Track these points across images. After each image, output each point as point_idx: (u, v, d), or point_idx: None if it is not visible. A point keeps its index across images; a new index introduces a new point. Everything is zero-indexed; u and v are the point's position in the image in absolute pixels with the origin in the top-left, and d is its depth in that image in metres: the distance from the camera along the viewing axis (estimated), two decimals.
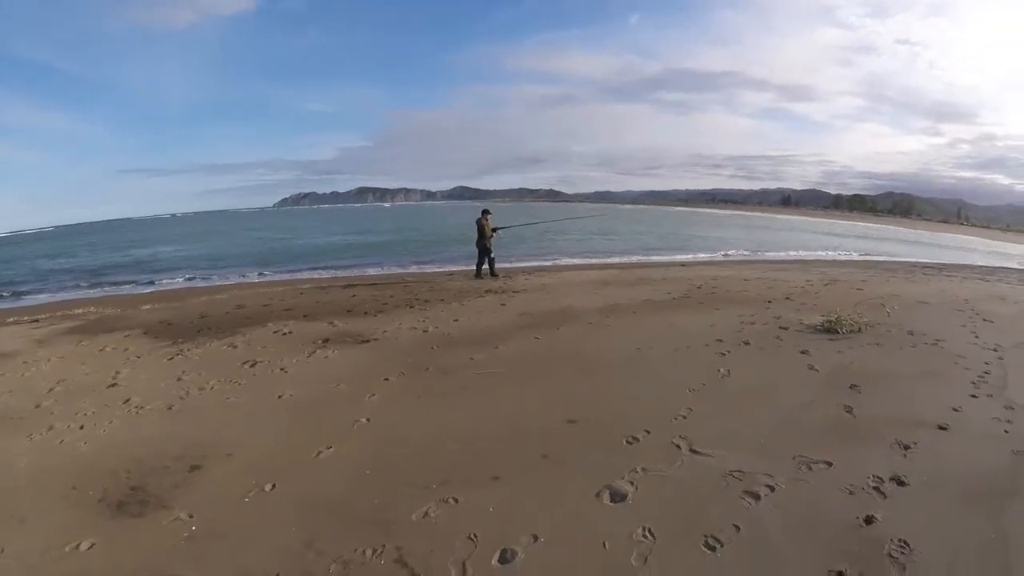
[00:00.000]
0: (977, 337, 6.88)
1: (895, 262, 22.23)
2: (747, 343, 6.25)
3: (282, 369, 5.72)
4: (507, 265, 13.82)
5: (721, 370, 5.23)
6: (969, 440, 3.79)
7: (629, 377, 5.12)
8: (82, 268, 23.24)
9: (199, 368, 5.90)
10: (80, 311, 11.54)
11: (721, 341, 6.30)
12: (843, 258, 23.50)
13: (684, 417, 4.11)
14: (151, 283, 17.08)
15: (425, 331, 7.17)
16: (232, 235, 44.25)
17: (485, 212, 13.02)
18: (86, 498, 3.32)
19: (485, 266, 12.82)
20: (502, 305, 8.82)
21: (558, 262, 17.77)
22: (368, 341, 6.74)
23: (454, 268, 16.62)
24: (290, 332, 7.39)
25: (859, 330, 6.77)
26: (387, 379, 5.23)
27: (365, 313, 8.57)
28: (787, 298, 9.36)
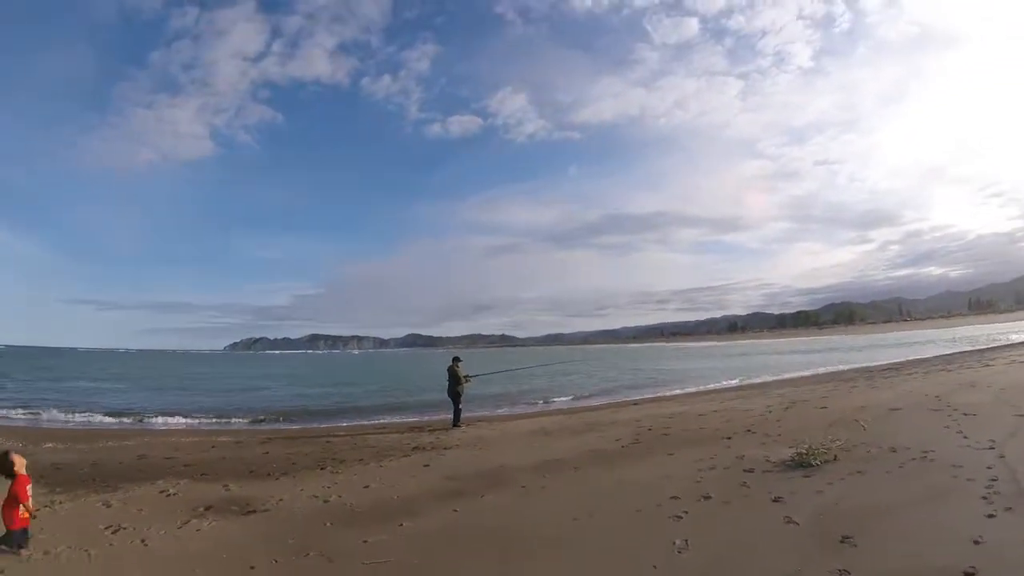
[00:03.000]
0: (966, 437, 6.31)
1: (851, 370, 22.15)
2: (708, 497, 5.25)
3: (143, 541, 4.90)
4: (449, 416, 12.81)
5: (677, 541, 4.20)
6: None
7: (560, 563, 4.08)
8: (12, 394, 22.34)
9: (58, 527, 5.27)
10: None
11: (677, 499, 5.27)
12: (799, 375, 23.20)
13: None
14: (70, 417, 16.58)
15: (326, 501, 6.13)
16: (177, 377, 40.95)
17: (456, 359, 13.25)
18: None
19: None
20: (425, 466, 7.78)
21: (500, 411, 16.55)
22: (254, 512, 5.75)
23: (388, 420, 15.45)
24: (175, 494, 6.68)
25: (835, 458, 5.97)
26: (253, 567, 4.22)
27: (268, 474, 7.61)
28: (748, 430, 8.59)
